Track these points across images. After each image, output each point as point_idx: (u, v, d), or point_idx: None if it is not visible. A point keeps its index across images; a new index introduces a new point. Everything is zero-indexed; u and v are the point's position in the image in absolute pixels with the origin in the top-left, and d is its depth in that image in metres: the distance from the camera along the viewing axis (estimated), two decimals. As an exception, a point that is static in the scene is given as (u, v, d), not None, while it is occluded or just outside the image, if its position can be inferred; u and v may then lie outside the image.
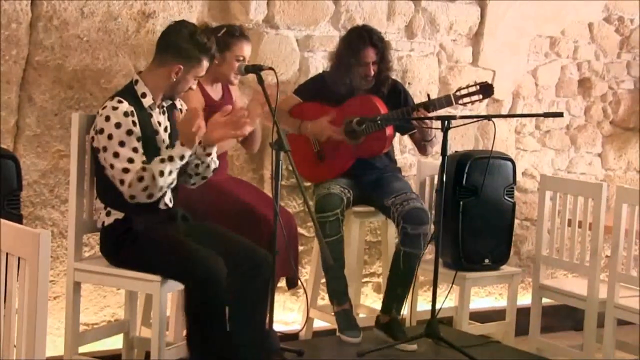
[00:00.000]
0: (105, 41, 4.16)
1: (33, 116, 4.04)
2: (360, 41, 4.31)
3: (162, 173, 3.34)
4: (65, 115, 4.06)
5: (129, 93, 3.48)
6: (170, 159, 3.37)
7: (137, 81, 3.51)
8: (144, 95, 3.48)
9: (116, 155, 3.34)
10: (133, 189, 3.33)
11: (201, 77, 3.58)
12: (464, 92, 4.22)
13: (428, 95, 4.34)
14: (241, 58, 4.05)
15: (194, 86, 3.58)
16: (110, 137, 3.35)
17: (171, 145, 3.51)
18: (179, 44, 3.45)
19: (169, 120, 3.58)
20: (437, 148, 4.55)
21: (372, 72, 4.34)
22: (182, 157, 3.39)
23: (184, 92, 3.59)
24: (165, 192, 3.46)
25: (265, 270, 3.50)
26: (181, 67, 3.45)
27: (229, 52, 4.01)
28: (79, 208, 3.61)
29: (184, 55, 3.45)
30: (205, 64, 3.51)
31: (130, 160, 3.34)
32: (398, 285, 4.26)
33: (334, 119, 4.39)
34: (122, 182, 3.34)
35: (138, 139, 3.39)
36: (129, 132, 3.37)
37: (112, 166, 3.35)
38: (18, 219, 3.52)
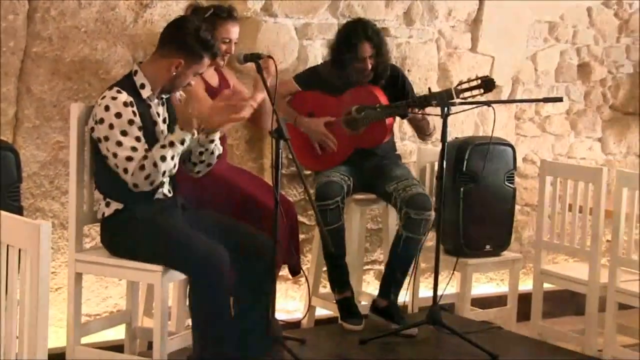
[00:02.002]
0: (103, 31, 4.15)
1: (32, 107, 4.03)
2: (356, 37, 4.27)
3: (163, 158, 3.33)
4: (64, 106, 4.06)
5: (127, 84, 3.46)
6: (171, 144, 3.36)
7: (136, 72, 3.50)
8: (142, 86, 3.47)
9: (119, 144, 3.34)
10: (136, 177, 3.32)
11: (200, 73, 3.56)
12: (465, 86, 4.19)
13: (429, 89, 4.29)
14: (227, 40, 4.02)
15: (193, 82, 3.56)
16: (111, 126, 3.34)
17: (170, 133, 3.51)
18: (183, 38, 3.44)
19: (167, 111, 3.58)
20: (437, 135, 4.54)
21: (370, 66, 4.32)
22: (182, 142, 3.38)
23: (182, 87, 3.56)
24: (167, 179, 3.45)
25: (266, 255, 3.50)
26: (182, 61, 3.43)
27: (215, 33, 3.99)
28: (79, 199, 3.60)
29: (186, 50, 3.43)
30: (206, 61, 3.49)
31: (134, 149, 3.34)
32: (397, 269, 4.26)
33: (333, 116, 4.38)
34: (125, 170, 3.33)
35: (139, 129, 3.38)
36: (130, 122, 3.36)
37: (115, 155, 3.34)
38: (18, 210, 3.52)
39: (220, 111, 3.44)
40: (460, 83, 4.17)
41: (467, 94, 4.15)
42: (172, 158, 3.36)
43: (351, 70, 4.31)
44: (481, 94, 4.15)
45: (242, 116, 3.53)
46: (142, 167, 3.32)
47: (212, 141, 3.51)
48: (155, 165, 3.32)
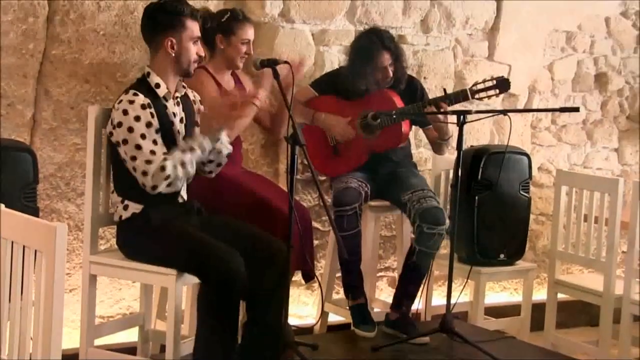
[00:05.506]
0: (121, 35, 4.17)
1: (49, 109, 4.06)
2: (373, 48, 4.29)
3: (183, 164, 3.36)
4: (81, 109, 4.08)
5: (143, 86, 3.49)
6: (192, 149, 3.39)
7: (149, 73, 3.52)
8: (157, 85, 3.50)
9: (138, 147, 3.35)
10: (156, 179, 3.33)
11: (197, 37, 3.53)
12: (480, 86, 4.20)
13: (444, 90, 4.32)
14: (246, 41, 4.08)
15: (202, 52, 3.58)
16: (130, 130, 3.36)
17: (187, 136, 3.53)
18: (154, 20, 3.49)
19: (183, 110, 3.60)
20: (452, 143, 4.54)
21: (391, 74, 4.33)
22: (202, 148, 3.41)
23: (194, 62, 3.53)
24: (184, 183, 3.47)
25: (280, 260, 3.50)
26: (171, 38, 3.46)
27: (234, 37, 4.04)
28: (95, 201, 3.62)
29: (165, 26, 3.47)
30: (191, 23, 3.50)
31: (153, 152, 3.36)
32: (410, 282, 4.26)
33: (350, 118, 4.39)
34: (144, 173, 3.34)
35: (157, 131, 3.41)
36: (149, 125, 3.38)
37: (134, 158, 3.36)
38: (34, 211, 3.54)
39: (221, 110, 3.47)
40: (476, 84, 4.19)
41: (482, 94, 4.17)
42: (192, 164, 3.39)
43: (372, 81, 4.31)
44: (496, 95, 4.18)
45: (238, 114, 3.56)
46: (162, 168, 3.33)
47: (217, 139, 3.52)
48: (175, 168, 3.34)
